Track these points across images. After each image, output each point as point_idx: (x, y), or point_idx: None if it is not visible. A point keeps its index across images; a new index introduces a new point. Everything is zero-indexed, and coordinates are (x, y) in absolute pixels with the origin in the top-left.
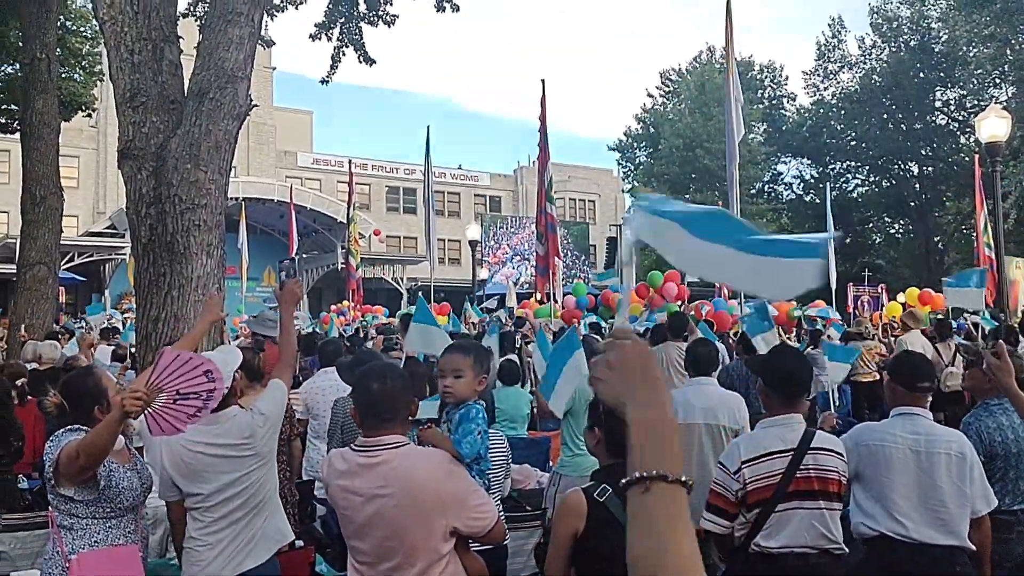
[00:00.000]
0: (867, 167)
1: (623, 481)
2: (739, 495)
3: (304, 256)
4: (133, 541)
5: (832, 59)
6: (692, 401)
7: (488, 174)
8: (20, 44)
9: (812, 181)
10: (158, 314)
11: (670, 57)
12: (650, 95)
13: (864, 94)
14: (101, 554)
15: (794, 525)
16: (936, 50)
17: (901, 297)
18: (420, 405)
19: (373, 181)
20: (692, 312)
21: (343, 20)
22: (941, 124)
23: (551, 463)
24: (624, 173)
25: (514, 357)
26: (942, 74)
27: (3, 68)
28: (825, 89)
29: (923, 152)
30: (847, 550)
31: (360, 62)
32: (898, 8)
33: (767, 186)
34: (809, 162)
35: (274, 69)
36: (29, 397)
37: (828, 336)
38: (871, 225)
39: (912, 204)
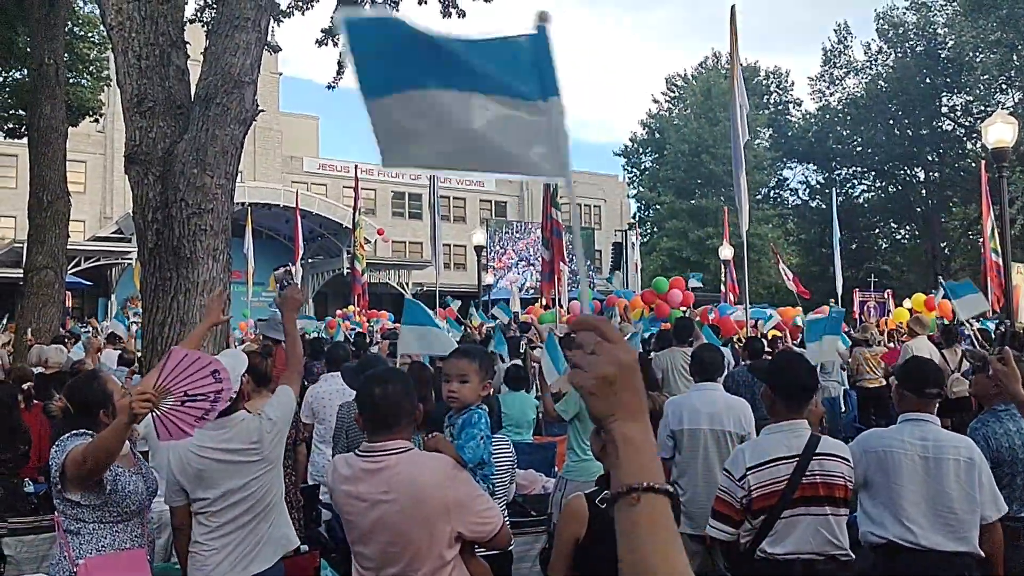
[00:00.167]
0: (873, 172)
1: (612, 494)
2: (744, 502)
3: (310, 261)
4: (140, 545)
5: (838, 65)
6: (698, 407)
7: (494, 179)
8: (28, 50)
9: (818, 186)
10: (164, 318)
11: (676, 63)
12: (656, 101)
13: (870, 100)
14: (108, 559)
15: (800, 531)
16: (942, 56)
17: (908, 303)
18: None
19: (379, 186)
20: (698, 317)
21: None
22: (947, 130)
23: (556, 468)
24: (630, 179)
25: (519, 362)
26: (948, 80)
27: (11, 73)
28: (831, 95)
29: (929, 158)
30: (854, 556)
31: None
32: (904, 14)
33: (773, 191)
34: (815, 167)
35: (280, 74)
36: (35, 401)
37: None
38: (877, 231)
39: (918, 209)
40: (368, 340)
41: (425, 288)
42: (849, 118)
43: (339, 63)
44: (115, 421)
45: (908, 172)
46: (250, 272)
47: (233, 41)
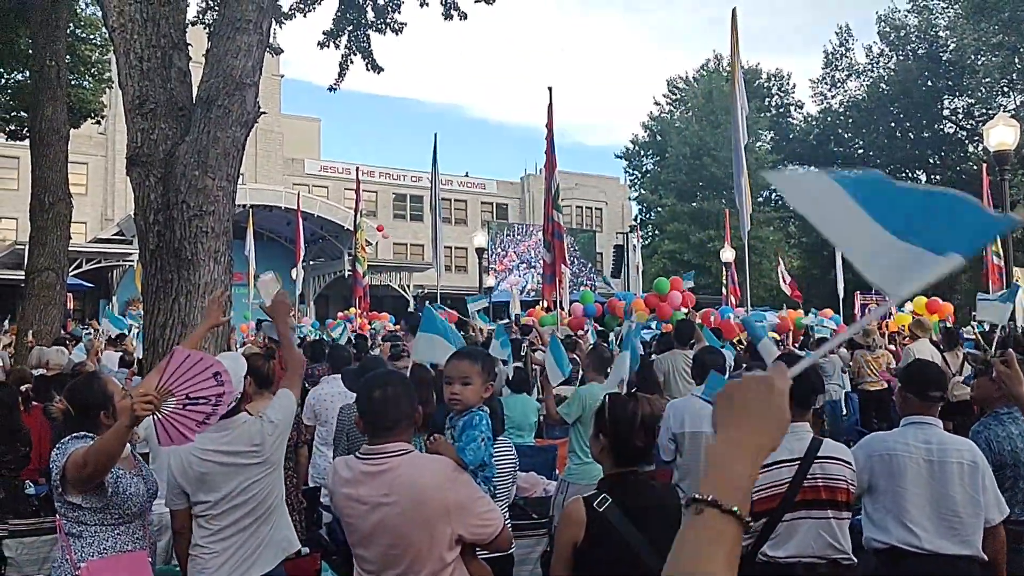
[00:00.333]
0: None
1: (688, 497)
2: None
3: (311, 263)
4: (142, 547)
5: (840, 67)
6: (699, 409)
7: (495, 181)
8: (30, 52)
9: None
10: (165, 320)
11: (677, 65)
12: (657, 103)
13: (872, 102)
14: (110, 561)
15: (801, 534)
16: (944, 58)
17: (909, 306)
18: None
19: (380, 188)
20: (700, 320)
21: (351, 28)
22: (949, 132)
23: (557, 471)
24: (631, 181)
25: (521, 364)
26: (950, 82)
27: (13, 75)
28: (832, 97)
29: (931, 160)
30: (856, 560)
31: (368, 70)
32: (906, 17)
33: (774, 194)
34: (816, 170)
35: (282, 76)
36: (34, 403)
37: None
38: None
39: None
40: (369, 342)
41: (426, 290)
42: (851, 121)
43: (340, 65)
44: (116, 423)
45: (910, 175)
46: (251, 274)
47: (235, 43)
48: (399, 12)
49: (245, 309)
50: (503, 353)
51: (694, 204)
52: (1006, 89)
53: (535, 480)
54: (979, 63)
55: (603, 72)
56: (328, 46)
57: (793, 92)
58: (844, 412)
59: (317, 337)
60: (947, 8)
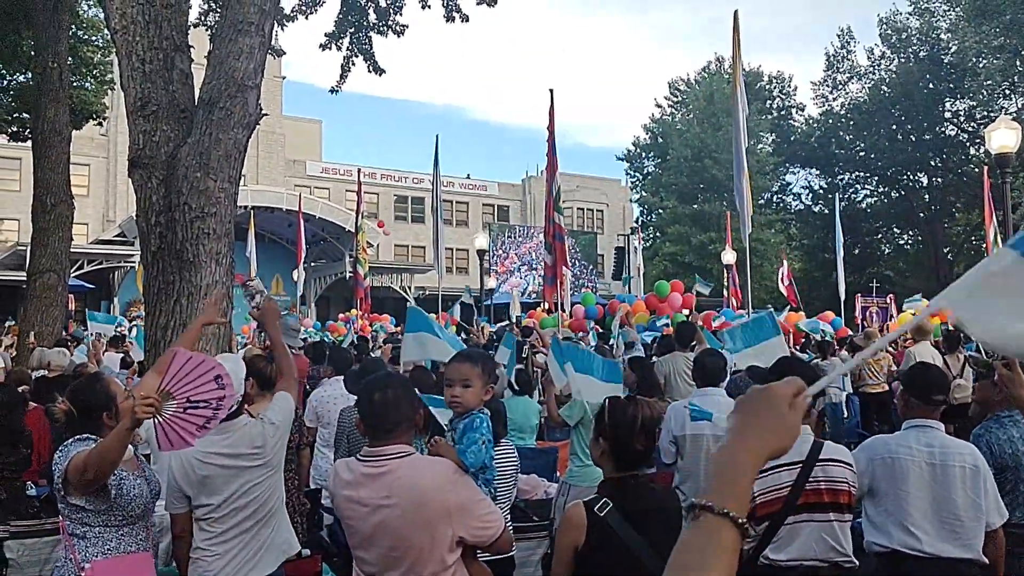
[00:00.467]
0: (876, 178)
1: (689, 502)
2: (748, 508)
3: (312, 265)
4: (145, 549)
5: (841, 70)
6: None
7: (496, 183)
8: (32, 53)
9: (821, 192)
10: (167, 322)
11: (679, 67)
12: (658, 105)
13: (873, 105)
14: (114, 562)
15: (804, 538)
16: (945, 61)
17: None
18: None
19: (381, 190)
20: (701, 322)
21: (353, 30)
22: (950, 135)
23: (558, 473)
24: (632, 183)
25: (522, 366)
26: (951, 85)
27: (15, 77)
28: (834, 100)
29: (932, 163)
30: (857, 563)
31: (370, 71)
32: (907, 19)
33: (776, 196)
34: (818, 172)
35: (284, 78)
36: (33, 404)
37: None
38: (880, 236)
39: (921, 215)
40: (371, 344)
41: (427, 292)
42: (852, 123)
43: (342, 67)
44: (117, 427)
45: (911, 177)
46: (253, 276)
47: (237, 45)
48: (401, 14)
49: (247, 311)
50: (504, 356)
51: (695, 206)
52: (1007, 92)
53: (536, 482)
54: (980, 66)
55: (604, 73)
56: (330, 48)
57: (794, 94)
58: (845, 415)
59: (318, 339)
60: (949, 11)
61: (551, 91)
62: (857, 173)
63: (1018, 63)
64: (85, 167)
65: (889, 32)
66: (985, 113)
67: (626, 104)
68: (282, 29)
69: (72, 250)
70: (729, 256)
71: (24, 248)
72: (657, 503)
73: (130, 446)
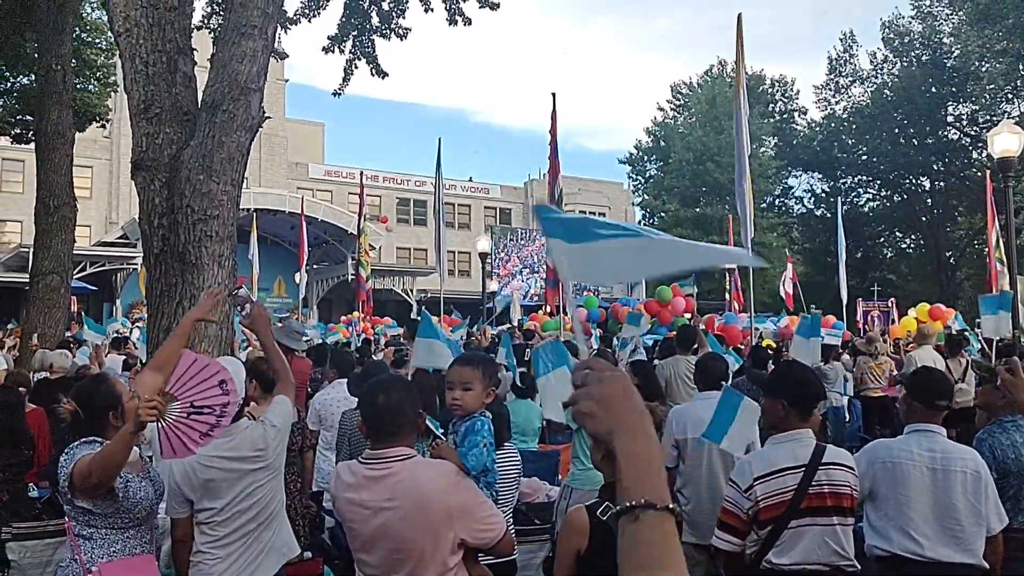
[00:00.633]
0: (878, 181)
1: (614, 510)
2: (751, 513)
3: (315, 267)
4: (149, 551)
5: (844, 73)
6: (702, 415)
7: (499, 186)
8: (36, 56)
9: (823, 195)
10: (169, 324)
11: (681, 71)
12: (661, 109)
13: (875, 108)
14: (121, 564)
15: (807, 542)
16: (948, 65)
17: (913, 312)
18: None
19: (384, 193)
20: (704, 326)
21: (356, 33)
22: (953, 139)
23: (560, 476)
24: (634, 187)
25: (524, 370)
26: (954, 89)
27: (19, 79)
28: (836, 103)
29: (935, 167)
30: (859, 567)
31: (372, 74)
32: (910, 23)
33: (778, 200)
34: (820, 176)
35: (287, 81)
36: (32, 406)
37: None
38: (882, 240)
39: (923, 219)
40: (373, 347)
41: (429, 295)
42: (854, 127)
43: (344, 70)
44: (121, 430)
45: (913, 181)
46: (255, 278)
47: (240, 48)
48: (404, 17)
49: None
50: (502, 357)
51: (697, 209)
52: (1010, 96)
53: (537, 485)
54: (983, 69)
55: (606, 77)
56: (333, 51)
57: (797, 98)
58: (847, 419)
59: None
60: (951, 15)
61: (553, 94)
62: (859, 177)
63: (1021, 67)
64: (88, 169)
65: (891, 36)
66: (988, 117)
67: (628, 107)
68: (285, 32)
69: (75, 252)
70: None
71: (27, 250)
72: None
73: (135, 447)
